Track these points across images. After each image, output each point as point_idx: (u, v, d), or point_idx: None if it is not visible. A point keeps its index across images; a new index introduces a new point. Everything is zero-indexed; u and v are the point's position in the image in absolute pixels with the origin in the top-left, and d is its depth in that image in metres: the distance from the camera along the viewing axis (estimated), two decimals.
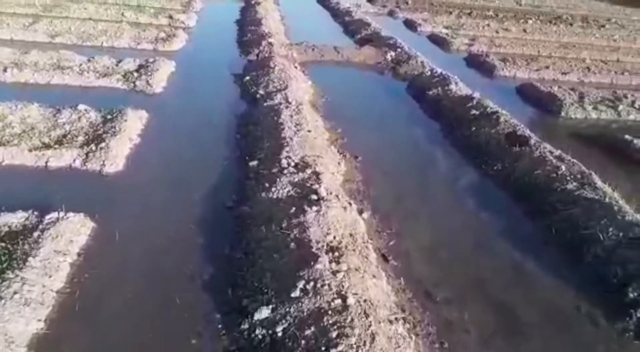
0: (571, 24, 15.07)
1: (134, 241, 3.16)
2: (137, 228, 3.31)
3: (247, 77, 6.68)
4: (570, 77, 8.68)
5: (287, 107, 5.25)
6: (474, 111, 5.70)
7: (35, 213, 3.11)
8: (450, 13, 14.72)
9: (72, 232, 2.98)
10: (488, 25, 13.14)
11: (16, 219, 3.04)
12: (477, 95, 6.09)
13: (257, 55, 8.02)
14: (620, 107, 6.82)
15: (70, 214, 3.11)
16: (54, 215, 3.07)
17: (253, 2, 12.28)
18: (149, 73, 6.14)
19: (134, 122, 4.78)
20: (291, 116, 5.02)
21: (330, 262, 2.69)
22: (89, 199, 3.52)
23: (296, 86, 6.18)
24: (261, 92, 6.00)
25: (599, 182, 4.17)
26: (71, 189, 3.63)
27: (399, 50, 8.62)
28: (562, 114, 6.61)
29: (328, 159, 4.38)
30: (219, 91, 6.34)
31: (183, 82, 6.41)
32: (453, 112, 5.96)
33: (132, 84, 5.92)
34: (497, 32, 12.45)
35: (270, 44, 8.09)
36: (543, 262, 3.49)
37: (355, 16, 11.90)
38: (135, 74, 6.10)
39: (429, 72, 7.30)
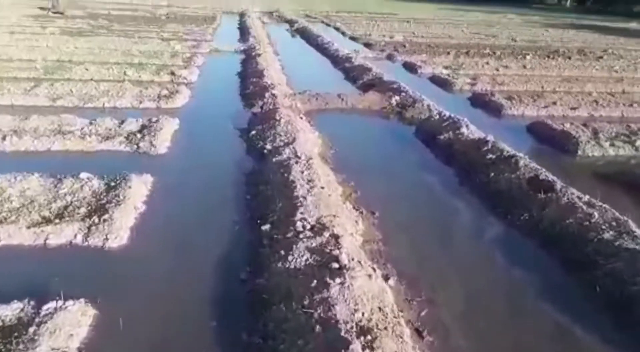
0: (569, 57, 15.13)
1: (140, 329, 2.86)
2: (144, 313, 3.01)
3: (253, 132, 6.52)
4: (580, 112, 8.52)
5: (297, 163, 5.04)
6: (490, 155, 5.47)
7: (32, 303, 2.83)
8: (448, 53, 14.80)
9: (72, 324, 2.69)
10: (487, 63, 13.18)
11: (11, 311, 2.76)
12: (491, 138, 5.89)
13: (262, 107, 7.91)
14: (638, 142, 6.60)
15: (70, 303, 2.82)
16: (51, 305, 2.79)
17: (254, 54, 12.36)
18: (153, 133, 5.98)
19: (139, 188, 4.56)
20: (302, 172, 4.80)
21: (363, 349, 2.38)
22: (91, 280, 3.25)
23: (304, 138, 6.00)
24: (268, 146, 5.82)
25: (638, 230, 3.88)
26: (71, 270, 3.36)
27: (403, 94, 8.52)
28: (579, 152, 6.39)
29: (345, 217, 4.12)
30: (225, 148, 6.16)
31: (188, 141, 6.25)
32: (467, 157, 5.74)
33: (135, 146, 5.74)
34: (497, 69, 12.44)
35: (273, 95, 7.99)
36: (591, 326, 3.16)
37: (355, 62, 11.92)
38: (139, 135, 5.94)
39: (437, 116, 7.14)
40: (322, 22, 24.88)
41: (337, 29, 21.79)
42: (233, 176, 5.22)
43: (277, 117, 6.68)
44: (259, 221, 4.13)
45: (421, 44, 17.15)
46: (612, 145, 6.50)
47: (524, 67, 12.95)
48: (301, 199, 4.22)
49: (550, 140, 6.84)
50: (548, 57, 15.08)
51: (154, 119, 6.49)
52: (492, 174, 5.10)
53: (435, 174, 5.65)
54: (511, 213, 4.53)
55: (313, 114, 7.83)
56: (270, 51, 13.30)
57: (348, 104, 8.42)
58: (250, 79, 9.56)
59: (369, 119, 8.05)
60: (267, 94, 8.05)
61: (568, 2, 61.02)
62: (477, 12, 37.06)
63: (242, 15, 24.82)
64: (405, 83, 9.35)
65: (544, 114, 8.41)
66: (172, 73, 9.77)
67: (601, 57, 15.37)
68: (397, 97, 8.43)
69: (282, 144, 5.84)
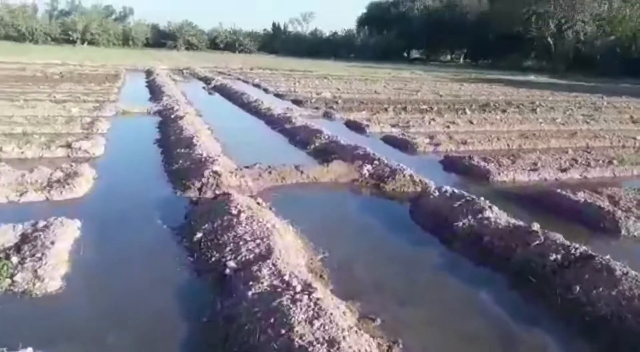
0: (504, 111, 14.73)
1: None
2: None
3: (199, 234, 4.45)
4: (572, 174, 7.43)
5: (293, 301, 3.07)
6: (553, 255, 3.88)
7: None
8: (386, 110, 13.75)
9: None
10: (433, 119, 12.20)
11: None
12: (537, 226, 4.34)
13: (200, 190, 5.87)
14: None
15: None
16: None
17: (173, 116, 10.30)
18: (38, 254, 3.71)
19: None
20: (310, 323, 2.85)
21: None
22: None
23: (281, 243, 4.06)
24: (232, 263, 3.79)
25: None
26: None
27: (375, 162, 6.91)
28: (623, 232, 5.06)
29: None
30: (156, 270, 3.99)
31: (94, 263, 4.02)
32: (514, 258, 4.12)
33: (5, 288, 3.44)
34: (447, 127, 11.45)
35: (215, 173, 6.00)
36: None
37: (296, 122, 10.28)
38: (15, 259, 3.64)
39: (437, 192, 5.55)
40: (239, 79, 23.38)
41: (257, 85, 20.34)
42: (182, 338, 3.10)
43: (232, 210, 4.68)
44: None
45: (352, 100, 16.08)
46: None
47: (471, 122, 12.11)
48: None
49: (578, 217, 5.48)
50: (484, 111, 14.58)
51: (40, 225, 4.22)
52: (578, 288, 3.47)
53: (476, 287, 3.87)
54: None
55: (269, 195, 5.93)
56: (192, 112, 11.29)
57: (309, 177, 6.63)
58: (176, 150, 7.48)
59: (341, 197, 6.29)
60: (206, 172, 6.03)
61: (461, 59, 65.73)
62: (386, 69, 37.83)
63: (149, 73, 22.61)
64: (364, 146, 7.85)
65: (536, 178, 7.21)
66: (69, 145, 7.43)
67: (534, 110, 15.15)
68: (368, 167, 6.80)
69: (252, 256, 3.86)
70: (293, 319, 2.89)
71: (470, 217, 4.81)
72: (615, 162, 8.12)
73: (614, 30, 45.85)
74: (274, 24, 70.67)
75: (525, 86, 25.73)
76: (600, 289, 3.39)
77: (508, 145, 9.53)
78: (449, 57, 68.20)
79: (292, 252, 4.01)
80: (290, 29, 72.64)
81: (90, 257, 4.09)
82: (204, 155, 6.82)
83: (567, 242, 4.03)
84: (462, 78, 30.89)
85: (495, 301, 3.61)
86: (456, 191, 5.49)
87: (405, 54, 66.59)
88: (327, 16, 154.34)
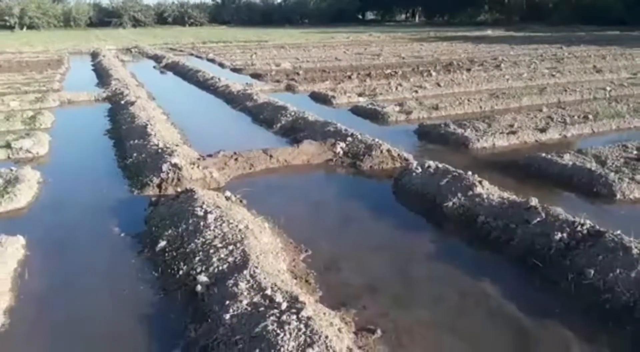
0: (468, 70, 14.39)
1: None
2: None
3: (162, 243, 3.90)
4: (551, 135, 7.15)
5: (279, 323, 2.61)
6: (558, 234, 3.54)
7: None
8: (350, 78, 13.20)
9: None
10: (400, 85, 11.73)
11: None
12: (534, 201, 3.98)
13: (160, 187, 5.28)
14: None
15: None
16: None
17: (123, 102, 9.48)
18: None
19: None
20: (299, 349, 2.40)
21: None
22: None
23: (258, 247, 3.57)
24: (203, 278, 3.29)
25: None
26: None
27: (349, 139, 6.43)
28: (619, 196, 4.78)
29: None
30: (116, 292, 3.43)
31: (42, 290, 3.45)
32: (515, 239, 3.77)
33: None
34: (415, 92, 11.02)
35: (175, 166, 5.40)
36: None
37: (258, 99, 9.63)
38: None
39: (419, 168, 5.13)
40: (192, 54, 22.25)
41: (212, 60, 19.37)
42: None
43: (198, 211, 4.14)
44: None
45: (314, 69, 15.46)
46: None
47: (438, 85, 11.70)
48: None
49: (570, 182, 5.18)
50: (449, 71, 14.20)
51: None
52: (593, 271, 3.13)
53: (488, 280, 3.44)
54: None
55: (238, 185, 5.40)
56: (144, 96, 10.49)
57: (280, 162, 6.11)
58: (129, 141, 6.79)
59: (316, 181, 5.82)
60: (164, 166, 5.42)
61: (416, 18, 65.14)
62: (343, 33, 36.96)
63: (94, 55, 21.21)
64: (331, 119, 7.37)
65: (516, 142, 6.90)
66: (8, 145, 6.65)
67: (498, 66, 14.87)
68: (342, 144, 6.32)
69: (226, 267, 3.36)
70: (282, 349, 2.43)
71: (460, 195, 4.42)
72: (590, 117, 7.90)
73: None
74: None
75: (484, 42, 25.53)
76: (618, 271, 3.06)
77: (480, 107, 9.20)
78: (403, 16, 67.46)
79: (271, 256, 3.54)
80: None
81: (38, 283, 3.52)
82: (160, 145, 6.18)
83: (572, 218, 3.69)
84: (421, 37, 30.45)
85: (504, 294, 3.24)
86: (440, 165, 5.08)
87: (360, 16, 65.51)
88: None
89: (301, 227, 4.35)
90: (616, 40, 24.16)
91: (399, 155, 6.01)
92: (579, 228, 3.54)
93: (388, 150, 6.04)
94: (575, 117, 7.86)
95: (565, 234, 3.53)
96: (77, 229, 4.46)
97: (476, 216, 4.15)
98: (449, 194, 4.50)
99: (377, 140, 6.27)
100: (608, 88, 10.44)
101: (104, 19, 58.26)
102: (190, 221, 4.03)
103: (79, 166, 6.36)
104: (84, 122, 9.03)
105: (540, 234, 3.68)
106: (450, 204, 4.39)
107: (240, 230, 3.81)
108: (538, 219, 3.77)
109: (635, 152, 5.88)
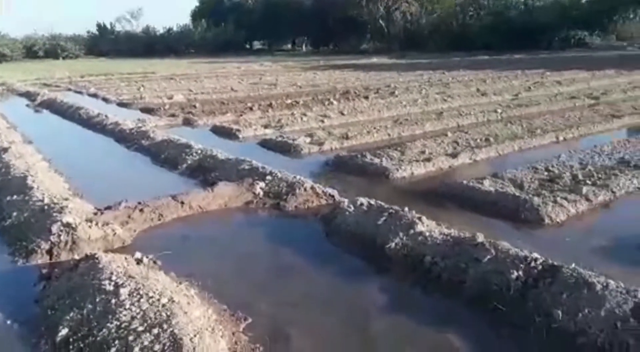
0: (366, 97, 14.68)
1: None
2: None
3: (63, 330, 3.11)
4: (462, 160, 7.27)
5: None
6: (513, 272, 3.37)
7: None
8: (251, 109, 12.78)
9: None
10: (304, 114, 11.54)
11: None
12: (481, 237, 3.81)
13: (51, 252, 4.39)
14: (584, 189, 5.41)
15: None
16: None
17: None
18: None
19: None
20: None
21: None
22: None
23: (190, 327, 2.95)
24: None
25: None
26: None
27: (268, 177, 5.96)
28: (547, 221, 4.84)
29: None
30: None
31: None
32: (467, 280, 3.54)
33: None
34: (321, 121, 10.90)
35: (67, 225, 4.53)
36: None
37: (155, 136, 8.82)
38: None
39: (351, 207, 4.81)
40: (70, 89, 20.39)
41: (94, 95, 17.85)
42: None
43: (105, 282, 3.40)
44: None
45: (211, 101, 14.84)
46: (567, 198, 5.15)
47: (342, 113, 11.71)
48: None
49: (496, 209, 5.18)
50: (347, 99, 14.37)
51: None
52: (561, 315, 2.96)
53: (451, 330, 3.17)
54: None
55: (148, 242, 4.68)
56: (19, 140, 9.15)
57: (193, 208, 5.45)
58: (6, 198, 5.69)
59: (238, 227, 5.25)
60: (54, 226, 4.53)
61: (303, 47, 66.80)
62: (234, 63, 36.57)
63: None
64: (241, 156, 6.92)
65: (432, 169, 6.91)
66: None
67: (393, 93, 15.37)
68: (261, 184, 5.83)
69: None
70: None
71: (401, 234, 4.15)
72: (491, 139, 8.24)
73: (435, 9, 50.04)
74: (99, 25, 63.95)
75: (373, 69, 26.56)
76: (586, 310, 2.92)
77: (389, 134, 9.25)
78: (289, 45, 68.81)
79: (207, 336, 2.94)
80: (118, 28, 66.51)
81: None
82: (46, 200, 5.23)
83: (522, 252, 3.56)
84: (312, 66, 30.97)
85: (473, 348, 2.96)
86: (372, 202, 4.81)
87: (248, 46, 65.63)
88: (157, 12, 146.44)
89: (233, 288, 3.78)
90: (488, 64, 26.50)
91: (323, 192, 5.66)
92: (532, 264, 3.41)
93: (312, 188, 5.66)
94: (479, 141, 8.15)
95: (521, 272, 3.37)
96: None
97: (422, 257, 3.89)
98: (389, 233, 4.21)
99: (299, 177, 5.88)
100: (499, 110, 11.13)
101: None
102: (98, 299, 3.28)
103: None
104: None
105: (493, 272, 3.49)
106: (393, 245, 4.10)
107: (164, 305, 3.15)
108: (488, 256, 3.60)
109: (545, 173, 6.11)
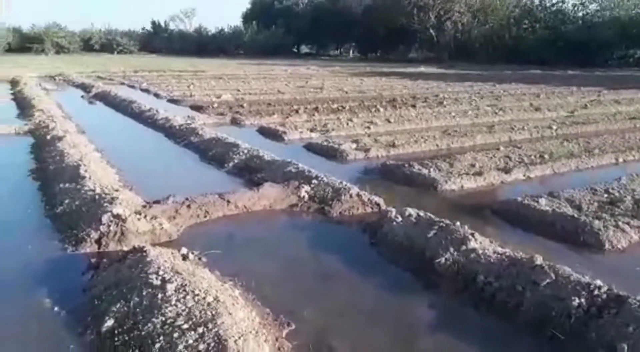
0: (413, 106, 14.44)
1: None
2: None
3: (108, 321, 3.12)
4: (516, 175, 7.00)
5: None
6: (575, 299, 3.16)
7: None
8: (297, 112, 12.78)
9: None
10: (350, 120, 11.44)
11: None
12: (539, 260, 3.61)
13: (99, 243, 4.45)
14: None
15: None
16: None
17: (49, 136, 8.41)
18: None
19: None
20: None
21: None
22: None
23: (235, 329, 2.89)
24: None
25: None
26: None
27: (314, 181, 5.89)
28: (607, 246, 4.56)
29: None
30: None
31: None
32: (524, 304, 3.35)
33: None
34: (368, 127, 10.78)
35: (117, 217, 4.59)
36: None
37: (204, 134, 8.93)
38: None
39: (399, 217, 4.67)
40: (123, 83, 21.04)
41: (146, 90, 18.33)
42: None
43: (153, 276, 3.40)
44: None
45: (258, 102, 14.97)
46: (628, 225, 4.84)
47: (388, 121, 11.55)
48: None
49: (553, 231, 4.92)
50: (394, 107, 14.18)
51: None
52: (627, 349, 2.75)
53: None
54: None
55: (194, 238, 4.69)
56: (73, 129, 9.45)
57: (239, 208, 5.44)
58: (59, 185, 5.85)
59: (283, 230, 5.20)
60: (104, 217, 4.60)
61: (350, 53, 66.82)
62: (282, 65, 36.90)
63: (14, 83, 19.46)
64: (286, 158, 6.88)
65: (483, 183, 6.67)
66: None
67: (441, 103, 15.08)
68: (307, 188, 5.77)
69: None
70: None
71: (452, 249, 3.98)
72: (546, 156, 7.90)
73: (488, 20, 49.02)
74: (153, 22, 66.10)
75: (420, 78, 26.20)
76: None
77: (437, 145, 9.03)
78: (336, 51, 68.95)
79: (251, 339, 2.87)
80: (171, 26, 68.43)
81: None
82: (98, 190, 5.34)
83: (585, 279, 3.34)
84: (359, 72, 30.85)
85: None
86: (422, 214, 4.66)
87: (295, 49, 66.18)
88: (210, 13, 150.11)
89: (276, 292, 3.71)
90: (541, 79, 25.68)
91: (369, 199, 5.55)
92: (596, 292, 3.18)
93: (358, 195, 5.56)
94: (533, 157, 7.83)
95: (583, 300, 3.15)
96: None
97: (474, 275, 3.72)
98: (439, 248, 4.05)
99: (345, 183, 5.79)
100: (554, 126, 10.71)
101: (25, 44, 54.49)
102: (145, 293, 3.28)
103: None
104: (4, 160, 7.87)
105: (553, 297, 3.28)
106: (443, 260, 3.94)
107: (209, 304, 3.11)
108: (547, 280, 3.39)
109: (605, 195, 5.79)
